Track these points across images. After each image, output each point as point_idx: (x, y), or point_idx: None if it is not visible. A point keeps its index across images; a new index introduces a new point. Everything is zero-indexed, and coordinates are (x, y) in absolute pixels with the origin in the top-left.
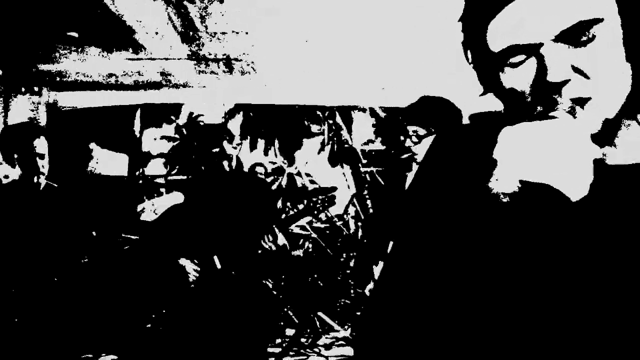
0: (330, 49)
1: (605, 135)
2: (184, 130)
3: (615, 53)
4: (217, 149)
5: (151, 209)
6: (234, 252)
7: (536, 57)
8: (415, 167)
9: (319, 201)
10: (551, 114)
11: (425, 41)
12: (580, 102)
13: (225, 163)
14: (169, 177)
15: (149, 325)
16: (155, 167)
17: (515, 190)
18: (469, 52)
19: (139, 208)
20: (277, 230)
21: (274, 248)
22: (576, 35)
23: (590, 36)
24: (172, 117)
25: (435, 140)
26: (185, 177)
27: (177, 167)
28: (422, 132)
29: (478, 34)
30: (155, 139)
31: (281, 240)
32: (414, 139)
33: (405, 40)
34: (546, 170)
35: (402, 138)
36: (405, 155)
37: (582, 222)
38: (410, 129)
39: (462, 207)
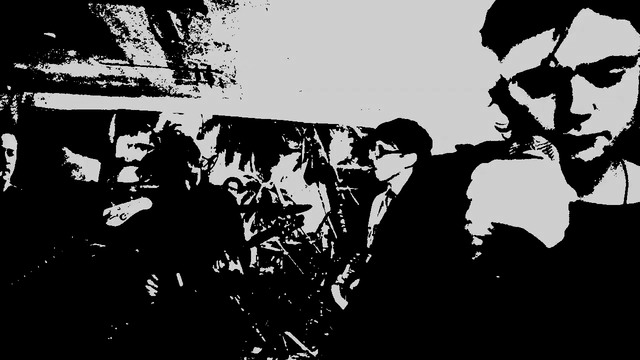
0: (312, 67)
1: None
2: (159, 139)
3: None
4: (182, 165)
5: (118, 214)
6: (198, 271)
7: (563, 86)
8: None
9: (287, 221)
10: (526, 152)
11: (406, 63)
12: (584, 144)
13: (187, 182)
14: (141, 186)
15: (110, 338)
16: (128, 175)
17: (488, 232)
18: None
19: (105, 213)
20: (227, 256)
21: (241, 271)
22: (603, 72)
23: (618, 72)
24: (149, 125)
25: (415, 170)
26: (156, 187)
27: (149, 176)
28: (387, 147)
29: (498, 49)
30: (129, 146)
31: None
32: (377, 152)
33: (387, 62)
34: (521, 213)
35: (369, 151)
36: (367, 168)
37: (555, 265)
38: (377, 143)
39: (434, 243)
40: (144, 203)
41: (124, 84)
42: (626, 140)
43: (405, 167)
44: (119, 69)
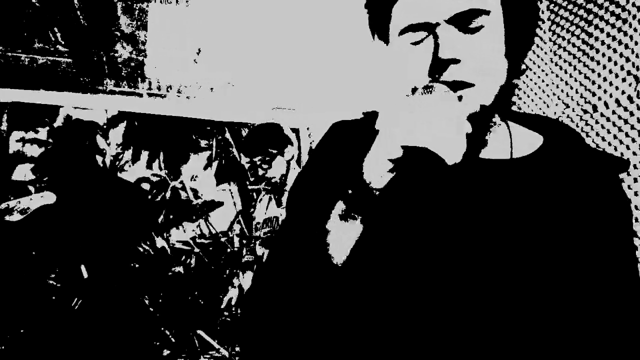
0: (223, 63)
1: (477, 122)
2: (59, 135)
3: (497, 47)
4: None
5: (17, 209)
6: (106, 261)
7: (433, 36)
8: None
9: (199, 206)
10: (435, 92)
11: (316, 62)
12: (463, 85)
13: (99, 158)
14: (37, 184)
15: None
16: (23, 172)
17: (399, 155)
18: (376, 35)
19: (3, 207)
20: (154, 234)
21: (152, 252)
22: (466, 21)
23: (479, 25)
24: (47, 120)
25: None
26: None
27: (47, 172)
28: (272, 151)
29: (383, 15)
30: (23, 142)
31: (160, 243)
32: (265, 165)
33: (298, 61)
34: (427, 139)
35: (253, 171)
36: (263, 185)
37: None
38: (257, 159)
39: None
40: (48, 197)
41: (21, 74)
42: (503, 97)
43: (287, 161)
44: (16, 57)
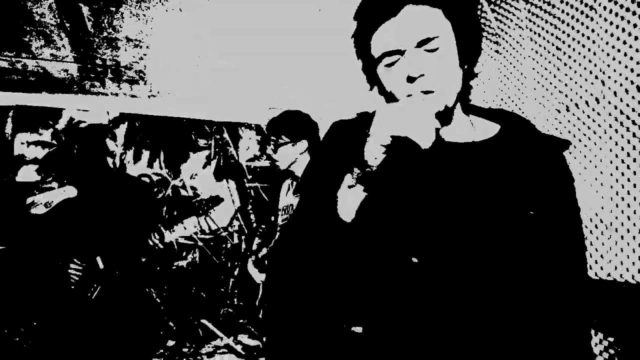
0: (221, 66)
1: (443, 116)
2: (63, 137)
3: (452, 61)
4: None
5: (42, 202)
6: (119, 252)
7: (401, 57)
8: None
9: (204, 202)
10: (410, 98)
11: (310, 64)
12: (428, 92)
13: (110, 160)
14: (43, 185)
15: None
16: (28, 174)
17: (388, 142)
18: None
19: (29, 201)
20: (162, 229)
21: (160, 246)
22: (426, 44)
23: (435, 47)
24: (51, 122)
25: (311, 151)
26: (59, 186)
27: (52, 174)
28: (280, 140)
29: (365, 46)
30: (28, 144)
31: (168, 237)
32: (272, 146)
33: (294, 62)
34: (407, 131)
35: (265, 147)
36: (265, 162)
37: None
38: (271, 138)
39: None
40: (70, 191)
41: (25, 78)
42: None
43: (300, 153)
44: (20, 62)
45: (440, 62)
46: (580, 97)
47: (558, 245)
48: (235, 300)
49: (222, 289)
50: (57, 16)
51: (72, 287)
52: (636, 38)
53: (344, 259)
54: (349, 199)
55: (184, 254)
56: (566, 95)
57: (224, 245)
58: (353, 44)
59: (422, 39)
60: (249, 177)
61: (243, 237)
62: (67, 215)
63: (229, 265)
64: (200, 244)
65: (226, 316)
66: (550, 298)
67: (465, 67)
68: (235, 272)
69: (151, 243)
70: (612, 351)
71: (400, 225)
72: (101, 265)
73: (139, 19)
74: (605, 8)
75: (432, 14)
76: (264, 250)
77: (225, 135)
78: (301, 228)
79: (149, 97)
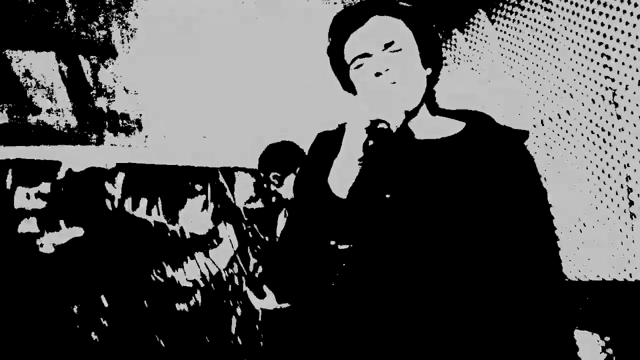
0: (214, 112)
1: (412, 114)
2: (62, 188)
3: (414, 61)
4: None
5: (50, 242)
6: (123, 290)
7: (369, 59)
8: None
9: (203, 245)
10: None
11: (301, 108)
12: (394, 83)
13: (108, 202)
14: (44, 235)
15: None
16: (29, 226)
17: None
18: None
19: (38, 243)
20: (164, 263)
21: (162, 280)
22: (390, 46)
23: (398, 48)
24: (50, 174)
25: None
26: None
27: (53, 225)
28: (272, 175)
29: (338, 55)
30: (28, 196)
31: (169, 273)
32: (276, 182)
33: (284, 105)
34: (378, 112)
35: (265, 186)
36: (274, 199)
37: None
38: (270, 175)
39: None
40: (76, 231)
41: (24, 131)
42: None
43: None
44: (19, 115)
45: (403, 59)
46: (552, 111)
47: (529, 231)
48: (239, 339)
49: (225, 330)
50: (56, 68)
51: (77, 325)
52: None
53: (341, 234)
54: (343, 176)
55: (186, 296)
56: (539, 111)
57: (224, 287)
58: (328, 58)
59: (387, 42)
60: (246, 218)
61: (243, 279)
62: (73, 254)
63: (231, 305)
64: (201, 285)
65: (230, 354)
66: (524, 291)
67: (429, 70)
68: (238, 312)
69: (153, 279)
70: (610, 351)
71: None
72: (106, 304)
73: (134, 69)
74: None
75: (395, 23)
76: (260, 269)
77: (221, 179)
78: (297, 215)
79: (145, 146)
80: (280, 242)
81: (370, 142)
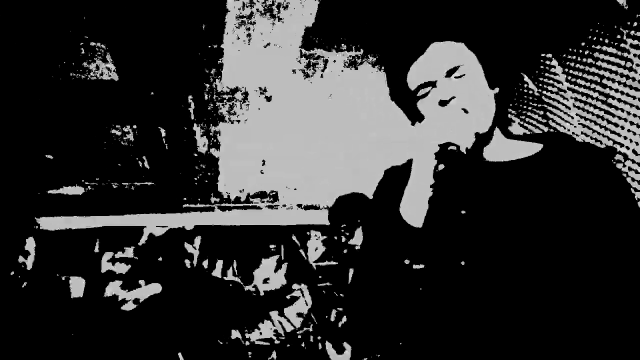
0: (285, 170)
1: (484, 137)
2: (144, 252)
3: (480, 84)
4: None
5: (130, 299)
6: (200, 349)
7: (434, 87)
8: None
9: (278, 304)
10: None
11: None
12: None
13: (187, 262)
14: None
15: None
16: (114, 289)
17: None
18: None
19: (119, 299)
20: (240, 322)
21: (239, 338)
22: (454, 72)
23: (462, 74)
24: (133, 240)
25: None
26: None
27: (136, 286)
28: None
29: (401, 87)
30: (113, 262)
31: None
32: (347, 233)
33: (354, 162)
34: (447, 136)
35: (335, 238)
36: (345, 251)
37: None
38: (341, 227)
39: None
40: (154, 287)
41: (109, 200)
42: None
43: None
44: (103, 186)
45: (469, 85)
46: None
47: (620, 253)
48: None
49: None
50: (136, 139)
51: None
52: None
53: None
54: (416, 202)
55: (261, 355)
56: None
57: (300, 346)
58: (389, 90)
59: (450, 69)
60: (320, 277)
61: (319, 337)
62: (152, 311)
63: None
64: (276, 342)
65: None
66: (611, 323)
67: (497, 89)
68: None
69: (229, 337)
70: None
71: (454, 233)
72: None
73: (210, 135)
74: None
75: (456, 47)
76: (340, 324)
77: (294, 237)
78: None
79: (220, 208)
80: (354, 277)
81: (441, 166)
